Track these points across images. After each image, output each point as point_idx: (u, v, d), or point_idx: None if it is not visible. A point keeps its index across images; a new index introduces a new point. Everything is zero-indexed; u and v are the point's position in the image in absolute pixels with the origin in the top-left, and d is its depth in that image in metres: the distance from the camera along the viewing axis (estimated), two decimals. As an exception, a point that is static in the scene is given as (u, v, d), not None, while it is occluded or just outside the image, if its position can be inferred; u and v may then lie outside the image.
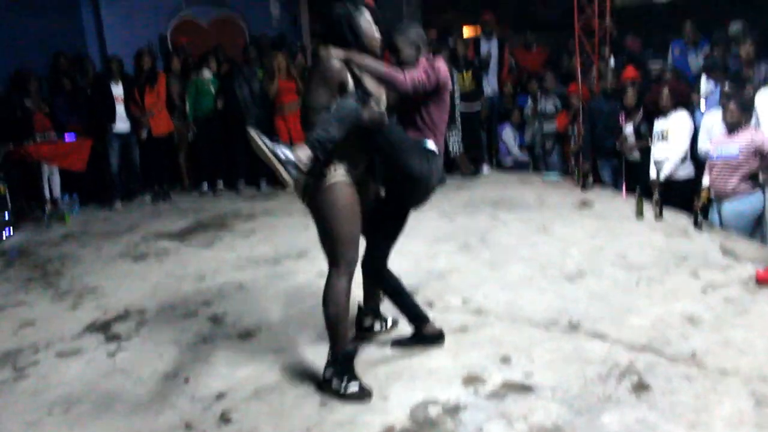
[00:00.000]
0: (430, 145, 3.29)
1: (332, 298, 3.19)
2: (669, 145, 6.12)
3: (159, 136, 8.10)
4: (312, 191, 3.11)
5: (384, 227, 3.51)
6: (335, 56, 3.06)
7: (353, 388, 3.11)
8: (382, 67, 3.14)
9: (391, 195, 3.51)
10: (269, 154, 2.86)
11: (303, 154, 2.89)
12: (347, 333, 3.30)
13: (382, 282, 3.63)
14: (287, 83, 8.11)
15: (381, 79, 3.16)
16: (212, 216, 7.17)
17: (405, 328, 3.74)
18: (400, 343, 3.64)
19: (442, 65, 3.30)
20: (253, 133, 2.91)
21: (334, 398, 3.13)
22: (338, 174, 3.09)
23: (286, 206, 7.42)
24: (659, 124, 6.25)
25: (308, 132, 2.98)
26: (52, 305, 4.70)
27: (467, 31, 10.82)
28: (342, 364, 3.17)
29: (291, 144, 2.99)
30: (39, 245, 6.40)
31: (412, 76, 3.14)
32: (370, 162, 3.32)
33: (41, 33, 9.19)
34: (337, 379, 3.14)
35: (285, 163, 2.85)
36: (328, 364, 3.20)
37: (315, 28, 3.13)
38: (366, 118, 3.02)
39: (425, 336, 3.59)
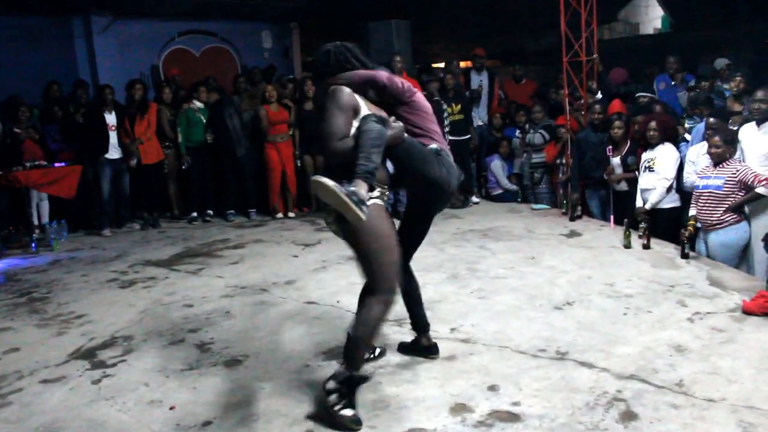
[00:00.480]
0: (435, 146, 3.36)
1: (366, 321, 3.13)
2: (655, 176, 6.19)
3: (149, 164, 8.10)
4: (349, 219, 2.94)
5: (407, 236, 3.58)
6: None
7: (347, 412, 3.03)
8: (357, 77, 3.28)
9: (416, 204, 3.66)
10: (344, 198, 2.83)
11: (363, 189, 2.91)
12: (364, 358, 3.29)
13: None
14: (278, 114, 8.16)
15: (365, 84, 3.29)
16: (201, 244, 7.17)
17: (392, 358, 3.73)
18: (403, 347, 3.85)
19: (398, 78, 3.46)
20: (323, 180, 2.87)
21: (323, 413, 3.10)
22: (373, 197, 3.10)
23: (275, 235, 7.44)
24: (646, 155, 6.32)
25: (333, 158, 3.13)
26: (38, 331, 4.66)
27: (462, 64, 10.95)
28: (348, 386, 3.09)
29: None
30: (26, 271, 6.36)
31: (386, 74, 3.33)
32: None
33: (35, 62, 9.29)
34: (337, 396, 3.04)
35: (357, 203, 2.84)
36: (335, 379, 3.08)
37: (314, 67, 3.23)
38: (390, 135, 3.11)
39: (422, 346, 3.79)
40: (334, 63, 3.29)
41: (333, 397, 3.05)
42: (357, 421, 3.04)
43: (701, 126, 6.35)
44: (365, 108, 3.19)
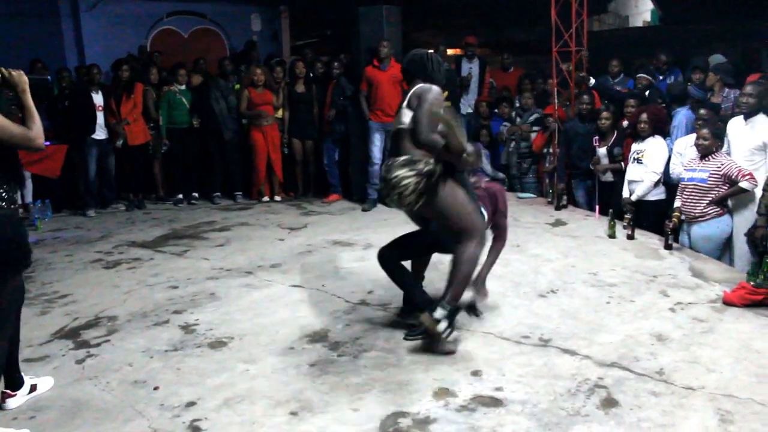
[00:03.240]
0: None
1: (470, 260, 3.66)
2: (644, 168, 6.22)
3: (135, 145, 8.05)
4: (425, 190, 3.52)
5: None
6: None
7: (452, 337, 3.64)
8: None
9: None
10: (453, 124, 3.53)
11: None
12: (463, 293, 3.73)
13: (389, 272, 4.10)
14: (262, 95, 8.12)
15: None
16: (186, 226, 7.14)
17: (377, 342, 3.75)
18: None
19: None
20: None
21: (432, 336, 3.62)
22: (438, 167, 3.56)
23: (260, 218, 7.42)
24: (636, 147, 6.35)
25: (425, 145, 3.58)
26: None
27: (450, 51, 10.94)
28: (454, 313, 3.63)
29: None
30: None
31: None
32: None
33: (20, 41, 9.15)
34: (446, 323, 3.57)
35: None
36: (444, 309, 3.58)
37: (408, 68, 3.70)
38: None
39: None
40: (433, 69, 3.83)
41: (442, 326, 3.58)
42: (455, 345, 3.69)
43: (681, 111, 6.50)
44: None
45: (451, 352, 3.64)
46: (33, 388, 3.36)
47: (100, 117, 7.78)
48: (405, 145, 3.66)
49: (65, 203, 8.06)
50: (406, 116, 3.67)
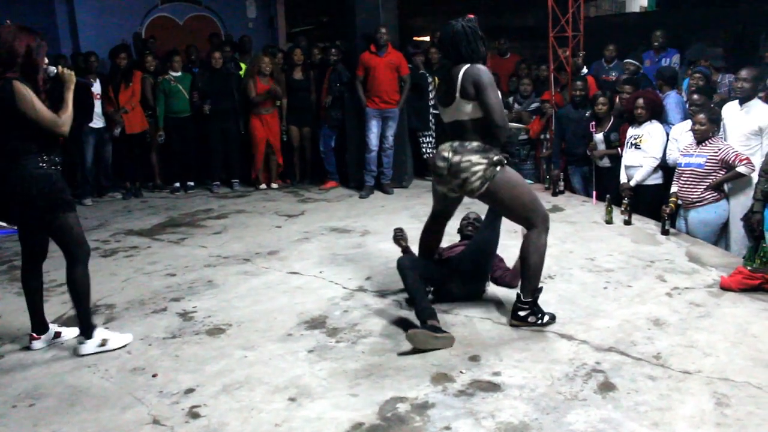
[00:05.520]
0: None
1: (538, 249, 3.75)
2: (642, 153, 6.21)
3: (132, 134, 8.01)
4: (491, 178, 3.59)
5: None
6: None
7: (547, 318, 3.81)
8: None
9: None
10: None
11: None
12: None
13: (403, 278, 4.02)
14: (267, 86, 8.06)
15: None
16: (184, 214, 7.14)
17: (374, 328, 3.76)
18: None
19: None
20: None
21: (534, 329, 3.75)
22: (502, 158, 3.65)
23: (258, 206, 7.42)
24: (633, 132, 6.34)
25: (503, 131, 3.64)
26: (19, 299, 4.57)
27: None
28: (536, 302, 3.79)
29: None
30: (6, 239, 6.28)
31: None
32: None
33: (13, 28, 9.06)
34: (533, 316, 3.77)
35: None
36: (523, 304, 3.77)
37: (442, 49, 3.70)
38: None
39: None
40: (475, 43, 3.69)
41: (532, 318, 3.77)
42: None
43: (671, 94, 6.56)
44: None
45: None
46: (57, 335, 3.86)
47: (97, 105, 7.74)
48: (468, 135, 3.65)
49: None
50: (466, 106, 3.61)
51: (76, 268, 3.65)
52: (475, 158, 3.56)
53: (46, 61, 3.58)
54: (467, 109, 3.62)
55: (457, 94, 3.61)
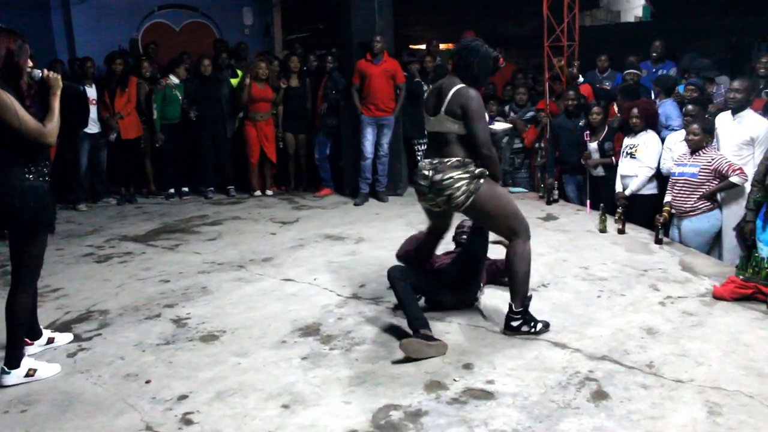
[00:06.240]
0: None
1: (524, 258, 3.75)
2: (638, 163, 6.24)
3: (128, 139, 8.01)
4: (475, 191, 3.62)
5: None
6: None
7: (540, 326, 3.81)
8: None
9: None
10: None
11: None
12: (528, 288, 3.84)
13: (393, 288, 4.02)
14: (263, 91, 8.08)
15: None
16: (178, 220, 7.13)
17: (368, 336, 3.76)
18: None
19: None
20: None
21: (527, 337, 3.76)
22: (483, 171, 3.68)
23: (252, 212, 7.42)
24: (628, 141, 6.37)
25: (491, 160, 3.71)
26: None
27: (443, 46, 10.91)
28: (527, 311, 3.80)
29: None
30: (-1, 245, 6.28)
31: None
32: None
33: (9, 33, 9.05)
34: (526, 325, 3.79)
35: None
36: (515, 314, 3.78)
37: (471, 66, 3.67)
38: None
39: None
40: (478, 65, 3.75)
41: (525, 328, 3.79)
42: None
43: (666, 102, 6.64)
44: None
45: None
46: (51, 340, 3.83)
47: (93, 111, 7.73)
48: (452, 149, 3.67)
49: (56, 197, 7.96)
50: (449, 123, 3.65)
51: (22, 294, 3.40)
52: (456, 174, 3.60)
53: (30, 64, 3.39)
54: (451, 127, 3.67)
55: (443, 109, 3.66)
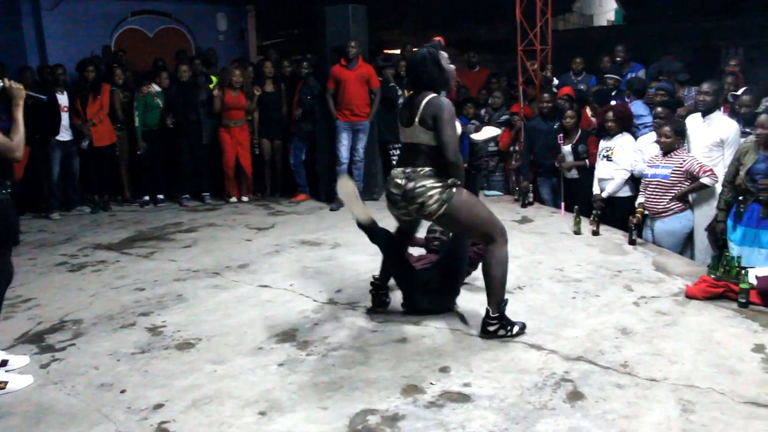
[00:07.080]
0: None
1: (501, 263, 3.76)
2: (614, 166, 6.31)
3: (100, 146, 7.93)
4: (448, 200, 3.64)
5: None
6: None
7: (516, 329, 3.82)
8: None
9: None
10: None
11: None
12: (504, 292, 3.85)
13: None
14: (236, 99, 8.05)
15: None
16: (153, 227, 7.07)
17: (345, 341, 3.76)
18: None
19: None
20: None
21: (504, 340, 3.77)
22: (455, 180, 3.70)
23: (228, 219, 7.38)
24: (604, 144, 6.44)
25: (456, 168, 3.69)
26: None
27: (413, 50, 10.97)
28: (504, 315, 3.80)
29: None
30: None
31: None
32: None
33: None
34: (503, 329, 3.79)
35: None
36: (491, 319, 3.78)
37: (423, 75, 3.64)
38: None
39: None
40: (439, 72, 3.76)
41: (502, 332, 3.79)
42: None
43: (637, 104, 6.72)
44: None
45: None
46: (3, 363, 3.56)
47: (64, 118, 7.66)
48: (425, 159, 3.70)
49: (28, 206, 7.92)
50: (422, 134, 3.67)
51: None
52: (429, 183, 3.64)
53: None
54: (424, 138, 3.69)
55: (416, 120, 3.67)
